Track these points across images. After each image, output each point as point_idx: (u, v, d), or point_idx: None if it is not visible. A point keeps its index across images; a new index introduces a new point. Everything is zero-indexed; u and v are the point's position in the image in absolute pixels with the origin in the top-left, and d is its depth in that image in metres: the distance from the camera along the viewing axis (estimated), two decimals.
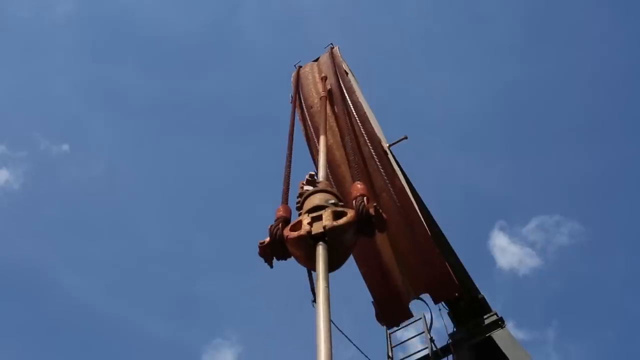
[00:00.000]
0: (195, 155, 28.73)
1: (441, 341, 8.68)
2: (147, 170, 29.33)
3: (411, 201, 4.23)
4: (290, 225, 2.81)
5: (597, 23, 25.89)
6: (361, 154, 4.32)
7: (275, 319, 26.24)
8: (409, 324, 9.12)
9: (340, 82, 5.06)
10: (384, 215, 2.74)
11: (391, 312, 4.01)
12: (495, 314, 8.52)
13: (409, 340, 8.96)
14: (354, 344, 5.42)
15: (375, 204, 2.80)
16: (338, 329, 4.42)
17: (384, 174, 4.19)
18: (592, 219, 26.89)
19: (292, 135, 4.02)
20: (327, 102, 4.62)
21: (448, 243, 8.04)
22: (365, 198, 2.81)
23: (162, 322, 26.45)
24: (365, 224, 2.68)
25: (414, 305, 9.26)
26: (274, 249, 2.78)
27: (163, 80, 29.47)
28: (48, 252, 27.02)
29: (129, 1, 28.91)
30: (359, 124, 4.61)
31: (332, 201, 2.90)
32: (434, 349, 8.55)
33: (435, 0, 28.13)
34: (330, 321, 2.20)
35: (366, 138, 4.51)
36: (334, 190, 3.06)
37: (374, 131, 4.62)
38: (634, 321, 23.05)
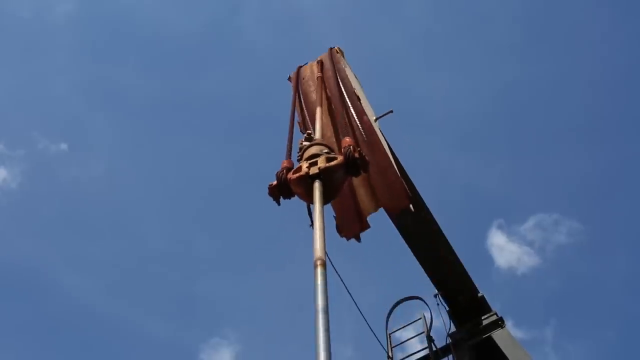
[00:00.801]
0: (195, 155, 28.57)
1: (441, 341, 8.87)
2: (147, 170, 29.13)
3: (376, 133, 4.89)
4: (292, 170, 3.48)
5: (597, 23, 25.94)
6: (345, 109, 5.00)
7: (274, 318, 26.18)
8: (408, 324, 9.36)
9: (332, 59, 5.97)
10: (367, 159, 3.42)
11: (351, 225, 4.57)
12: (495, 313, 8.71)
13: (409, 341, 9.15)
14: (349, 292, 5.83)
15: (359, 149, 3.40)
16: (333, 267, 4.83)
17: (353, 113, 4.92)
18: (591, 218, 26.47)
19: (295, 106, 4.93)
20: (322, 82, 5.40)
21: (447, 242, 8.37)
22: (351, 147, 3.44)
23: (162, 322, 26.27)
24: (351, 165, 3.34)
25: (415, 306, 9.51)
26: (281, 189, 3.47)
27: (163, 80, 29.29)
28: (48, 252, 26.80)
29: (129, 1, 28.90)
30: (341, 86, 5.42)
31: (326, 150, 3.54)
32: (434, 349, 8.74)
33: (435, 0, 28.23)
34: (324, 231, 2.70)
35: (345, 95, 5.23)
36: (327, 143, 3.73)
37: (353, 89, 5.40)
38: (633, 321, 22.66)
